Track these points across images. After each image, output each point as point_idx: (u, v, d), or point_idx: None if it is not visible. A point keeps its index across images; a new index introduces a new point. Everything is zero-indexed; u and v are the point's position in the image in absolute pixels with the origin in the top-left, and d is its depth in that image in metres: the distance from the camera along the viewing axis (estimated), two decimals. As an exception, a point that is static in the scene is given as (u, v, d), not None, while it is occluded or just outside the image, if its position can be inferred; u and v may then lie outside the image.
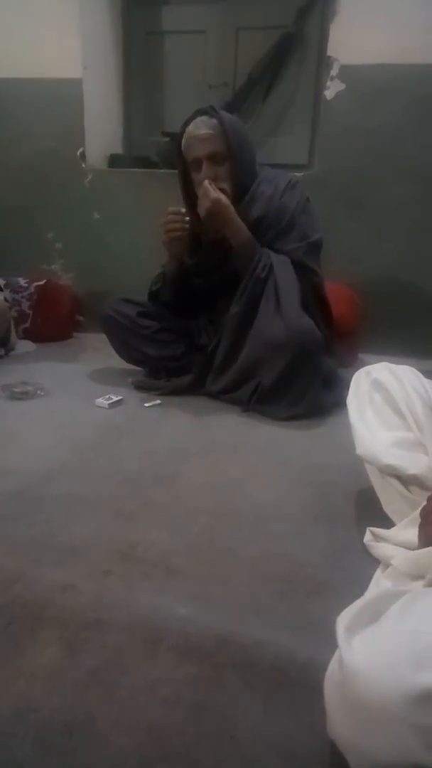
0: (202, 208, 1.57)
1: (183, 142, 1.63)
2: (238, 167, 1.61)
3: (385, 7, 1.95)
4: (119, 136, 2.58)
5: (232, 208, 1.58)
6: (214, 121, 1.58)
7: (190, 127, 1.60)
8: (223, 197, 1.56)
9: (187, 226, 1.62)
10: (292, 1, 2.19)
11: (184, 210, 1.63)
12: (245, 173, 1.64)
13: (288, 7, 2.20)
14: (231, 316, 1.63)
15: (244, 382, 1.64)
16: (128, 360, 1.86)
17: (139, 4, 2.43)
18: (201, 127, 1.58)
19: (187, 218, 1.62)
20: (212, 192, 1.54)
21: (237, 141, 1.59)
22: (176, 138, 1.69)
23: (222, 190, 1.57)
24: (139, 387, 1.77)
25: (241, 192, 1.64)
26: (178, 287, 1.78)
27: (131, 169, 2.38)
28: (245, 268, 1.61)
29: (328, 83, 2.07)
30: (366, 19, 1.98)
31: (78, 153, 2.36)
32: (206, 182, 1.56)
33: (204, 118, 1.59)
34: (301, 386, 1.56)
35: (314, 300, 1.69)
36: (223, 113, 1.62)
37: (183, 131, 1.63)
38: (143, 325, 1.78)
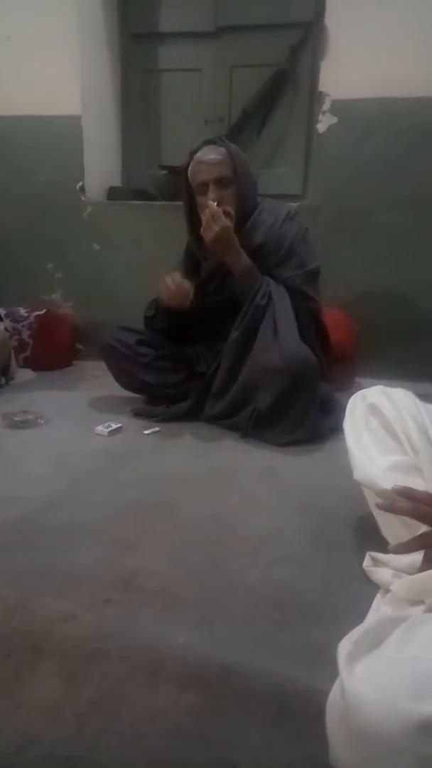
0: (209, 232, 1.61)
1: (190, 167, 1.68)
2: (242, 194, 1.67)
3: (373, 44, 2.03)
4: (118, 169, 2.64)
5: (235, 236, 1.62)
6: (223, 149, 1.65)
7: (199, 154, 1.66)
8: (229, 225, 1.60)
9: (189, 302, 1.66)
10: (283, 39, 2.27)
11: (189, 285, 1.66)
12: (248, 200, 1.70)
13: (280, 46, 2.28)
14: (231, 341, 1.66)
15: (241, 407, 1.65)
16: (127, 387, 1.87)
17: (136, 44, 2.52)
18: (210, 153, 1.65)
19: (192, 293, 1.65)
20: (222, 218, 1.59)
21: (243, 169, 1.67)
22: (183, 166, 1.74)
23: (226, 213, 1.62)
24: (138, 414, 1.78)
25: (242, 219, 1.69)
26: (173, 316, 1.81)
27: (129, 202, 2.44)
28: (245, 295, 1.65)
29: (320, 117, 2.13)
30: (355, 56, 2.05)
31: (77, 186, 2.42)
32: (214, 206, 1.59)
33: (212, 146, 1.67)
34: (299, 412, 1.57)
35: (313, 326, 1.72)
36: (230, 143, 1.69)
37: (190, 159, 1.69)
38: (142, 353, 1.80)
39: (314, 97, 2.20)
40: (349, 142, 2.12)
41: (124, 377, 1.85)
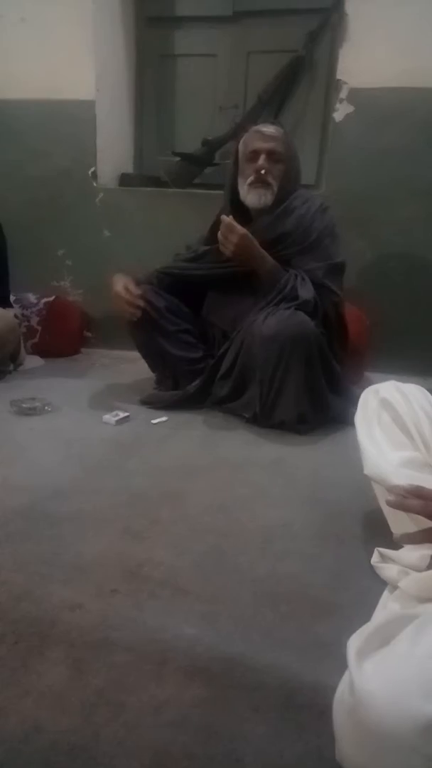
0: (229, 245, 1.60)
1: (246, 135, 1.73)
2: (287, 176, 1.71)
3: (394, 32, 1.99)
4: (130, 155, 2.62)
5: (255, 241, 1.62)
6: (281, 129, 1.74)
7: (258, 126, 1.73)
8: (247, 232, 1.59)
9: (135, 318, 1.71)
10: (301, 25, 2.23)
11: (139, 301, 1.70)
12: (289, 184, 1.73)
13: (298, 32, 2.24)
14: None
15: (247, 384, 1.66)
16: (146, 354, 1.84)
17: (152, 28, 2.48)
18: (269, 127, 1.72)
19: (140, 307, 1.70)
20: (238, 227, 1.58)
21: (292, 153, 1.75)
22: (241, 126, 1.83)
23: (268, 185, 1.68)
24: (146, 403, 1.78)
25: (277, 202, 1.71)
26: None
27: (141, 188, 2.42)
28: (270, 291, 1.66)
29: (337, 105, 2.10)
30: (375, 44, 2.01)
31: (90, 172, 2.40)
32: (227, 219, 1.60)
33: (271, 124, 1.74)
34: (302, 381, 1.57)
35: (334, 318, 1.74)
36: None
37: (244, 129, 1.76)
38: (170, 320, 1.77)
39: (332, 85, 2.16)
40: (367, 131, 2.08)
41: (145, 341, 1.80)
